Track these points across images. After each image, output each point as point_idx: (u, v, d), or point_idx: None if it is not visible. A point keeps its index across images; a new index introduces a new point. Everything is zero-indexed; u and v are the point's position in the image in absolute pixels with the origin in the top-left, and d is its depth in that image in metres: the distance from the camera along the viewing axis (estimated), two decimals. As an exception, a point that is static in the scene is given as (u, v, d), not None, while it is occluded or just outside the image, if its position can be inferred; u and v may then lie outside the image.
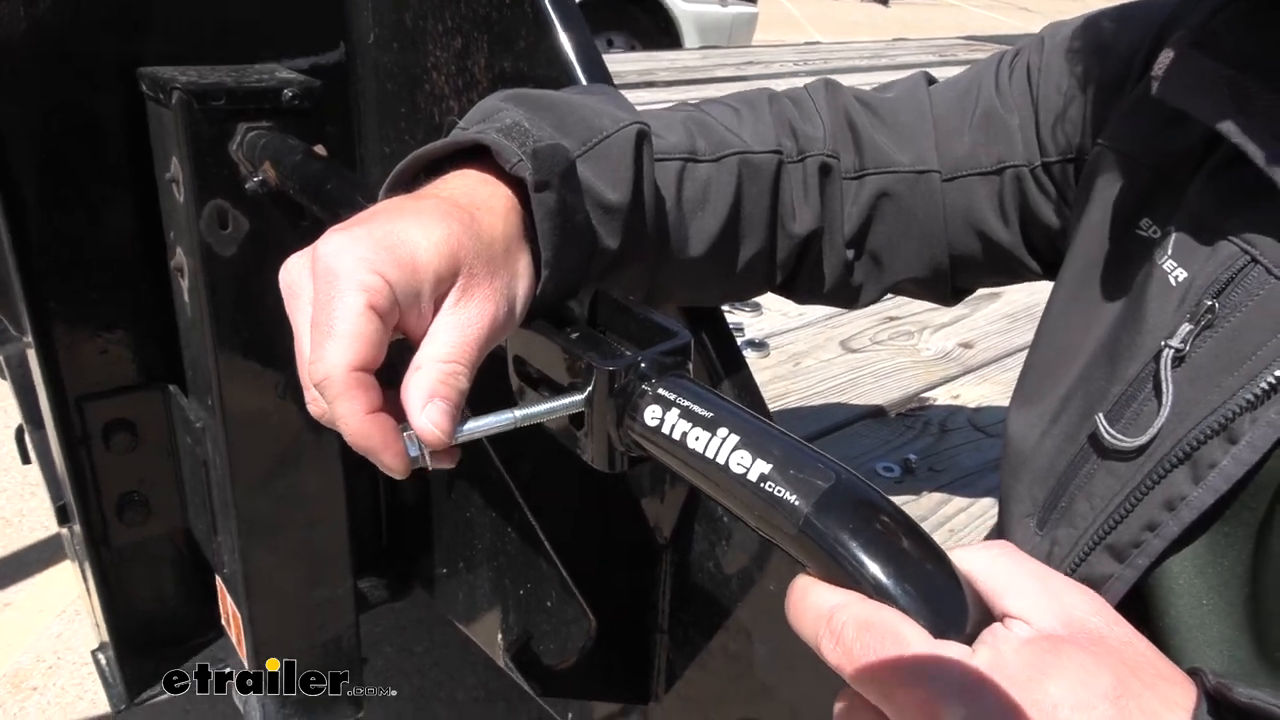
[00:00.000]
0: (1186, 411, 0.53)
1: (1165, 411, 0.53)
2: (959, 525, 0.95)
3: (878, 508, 0.35)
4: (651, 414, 0.41)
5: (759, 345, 1.31)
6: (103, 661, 1.16)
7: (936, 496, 0.99)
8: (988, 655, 0.33)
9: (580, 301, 0.53)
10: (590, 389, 0.43)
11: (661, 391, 0.41)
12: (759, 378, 0.82)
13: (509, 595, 1.06)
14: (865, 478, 0.37)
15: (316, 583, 1.07)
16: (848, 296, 0.76)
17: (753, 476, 0.36)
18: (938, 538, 0.93)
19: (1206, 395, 0.52)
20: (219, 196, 0.85)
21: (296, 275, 0.46)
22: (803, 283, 0.75)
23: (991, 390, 1.23)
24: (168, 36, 0.91)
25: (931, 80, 0.76)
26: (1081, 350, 0.62)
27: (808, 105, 0.73)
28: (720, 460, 0.37)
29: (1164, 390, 0.53)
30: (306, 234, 0.90)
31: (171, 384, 1.04)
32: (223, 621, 1.13)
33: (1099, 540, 0.56)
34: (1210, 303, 0.53)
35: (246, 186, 0.82)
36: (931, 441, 1.09)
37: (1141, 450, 0.54)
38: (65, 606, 1.98)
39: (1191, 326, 0.53)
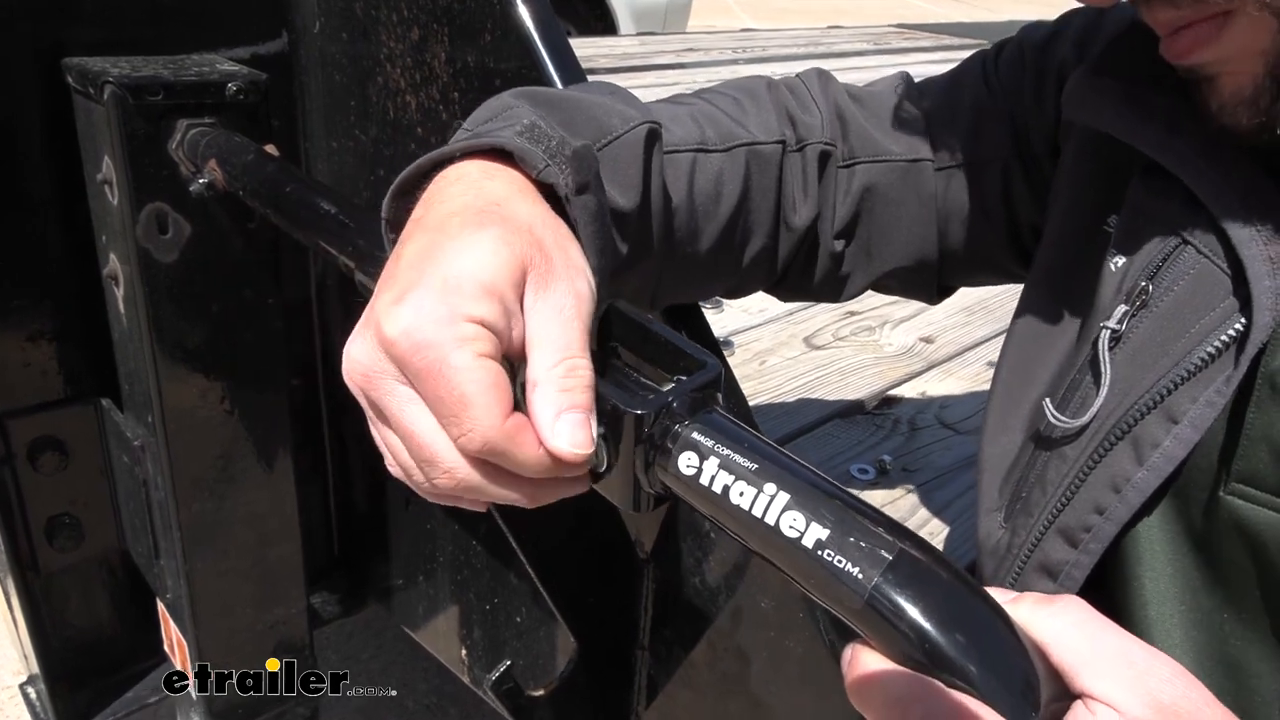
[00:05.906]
0: (1126, 390, 0.54)
1: (1104, 390, 0.54)
2: (937, 528, 0.94)
3: (946, 577, 0.32)
4: (687, 461, 0.37)
5: (723, 344, 1.29)
6: (33, 695, 1.08)
7: (913, 498, 0.98)
8: None
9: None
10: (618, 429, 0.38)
11: (696, 436, 0.37)
12: (727, 379, 0.79)
13: (474, 609, 1.02)
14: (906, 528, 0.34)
15: (268, 604, 1.01)
16: (834, 289, 0.75)
17: (808, 543, 0.33)
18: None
19: (1144, 374, 0.53)
20: (157, 199, 0.78)
21: (370, 362, 0.40)
22: (793, 278, 0.73)
23: (956, 385, 1.22)
24: (94, 23, 0.84)
25: (911, 80, 0.75)
26: (1054, 349, 0.62)
27: (803, 93, 0.71)
28: (770, 521, 0.34)
29: (1102, 370, 0.54)
30: (254, 237, 0.84)
31: (104, 398, 0.97)
32: (166, 648, 1.07)
33: (1050, 523, 0.56)
34: (1144, 284, 0.54)
35: (192, 189, 0.76)
36: (902, 441, 1.08)
37: (1083, 430, 0.55)
38: (-16, 626, 1.87)
39: (1127, 308, 0.54)
